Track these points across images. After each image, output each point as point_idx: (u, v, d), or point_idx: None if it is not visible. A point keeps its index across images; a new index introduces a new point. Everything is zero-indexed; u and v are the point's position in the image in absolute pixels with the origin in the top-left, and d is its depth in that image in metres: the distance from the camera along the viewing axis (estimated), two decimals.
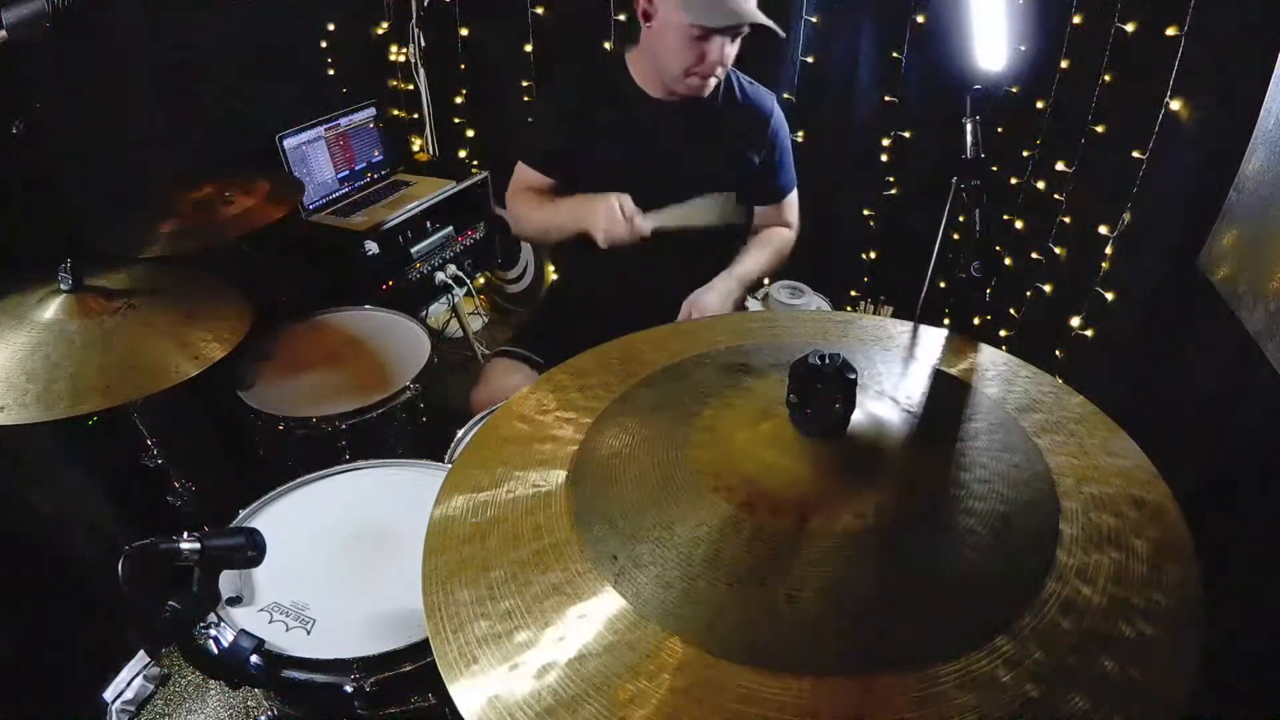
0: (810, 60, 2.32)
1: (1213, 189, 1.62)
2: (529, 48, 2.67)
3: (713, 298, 1.70)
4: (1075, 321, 2.09)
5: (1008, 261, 2.30)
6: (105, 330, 1.41)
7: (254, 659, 1.03)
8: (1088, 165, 1.99)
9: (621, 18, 2.42)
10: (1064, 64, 1.97)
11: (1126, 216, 1.90)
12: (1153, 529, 0.73)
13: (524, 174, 1.84)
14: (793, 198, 1.90)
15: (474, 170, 2.73)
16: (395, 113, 2.97)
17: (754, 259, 1.81)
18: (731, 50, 1.62)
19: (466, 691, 0.63)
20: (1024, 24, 1.96)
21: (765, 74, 1.85)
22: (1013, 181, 2.21)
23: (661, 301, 1.71)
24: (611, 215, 1.59)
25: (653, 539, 0.72)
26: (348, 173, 2.56)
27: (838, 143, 2.41)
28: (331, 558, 1.24)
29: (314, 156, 2.44)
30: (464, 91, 2.90)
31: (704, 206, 1.67)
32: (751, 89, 1.81)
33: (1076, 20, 1.92)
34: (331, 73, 2.71)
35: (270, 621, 1.12)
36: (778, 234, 1.89)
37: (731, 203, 1.71)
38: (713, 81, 1.66)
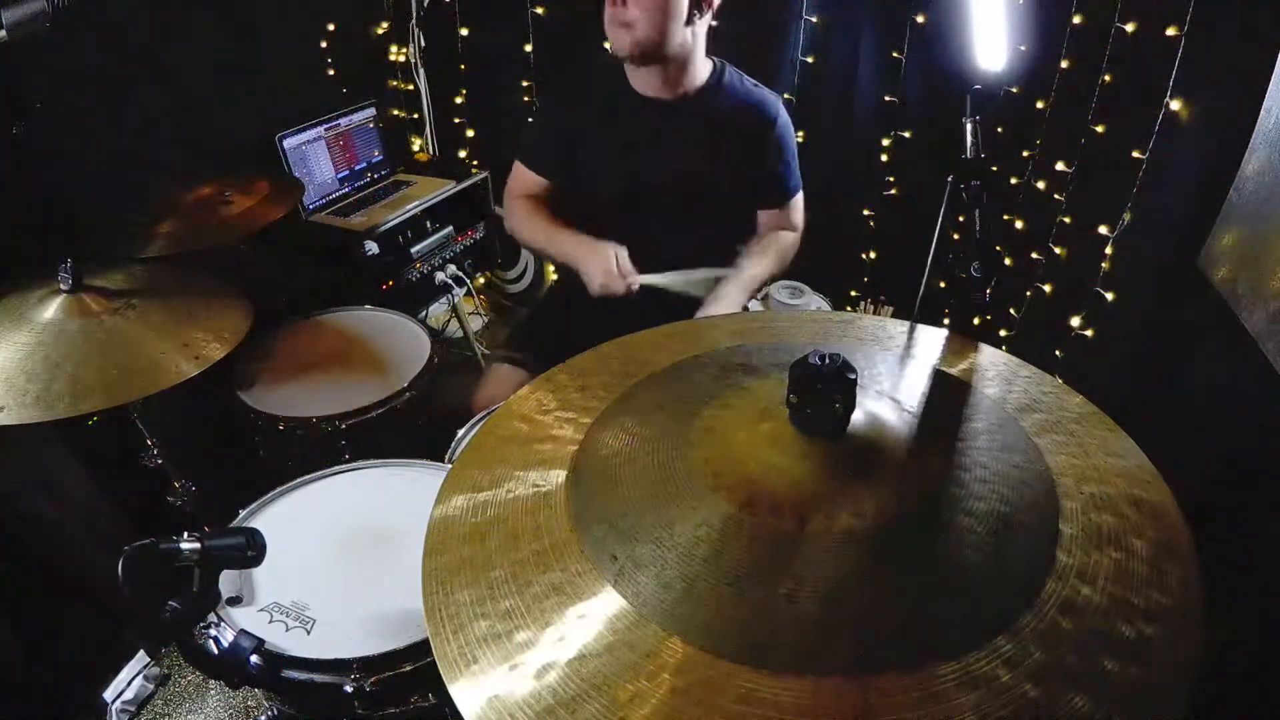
0: (810, 60, 2.32)
1: (1213, 189, 1.61)
2: (529, 48, 2.67)
3: (721, 309, 1.68)
4: (1075, 321, 2.09)
5: (1008, 261, 2.30)
6: (105, 330, 1.41)
7: (254, 659, 1.03)
8: (1088, 165, 1.99)
9: None
10: (1064, 64, 1.97)
11: (1126, 216, 1.90)
12: (1153, 529, 0.73)
13: (522, 175, 1.84)
14: (798, 199, 1.90)
15: (474, 170, 2.73)
16: (395, 113, 2.97)
17: (758, 263, 1.79)
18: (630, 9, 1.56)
19: (466, 691, 0.63)
20: (1024, 24, 1.96)
21: (765, 74, 1.85)
22: (1013, 181, 2.21)
23: (661, 302, 1.71)
24: (608, 270, 1.63)
25: (653, 539, 0.72)
26: (348, 173, 2.56)
27: (838, 143, 2.41)
28: (331, 558, 1.24)
29: (314, 156, 2.44)
30: (464, 91, 2.89)
31: (699, 279, 1.69)
32: (756, 91, 1.80)
33: (1076, 20, 1.92)
34: (331, 73, 2.71)
35: (270, 621, 1.12)
36: (781, 238, 1.88)
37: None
38: (629, 36, 1.59)
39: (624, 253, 1.65)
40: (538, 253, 1.91)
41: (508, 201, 1.88)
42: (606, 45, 1.69)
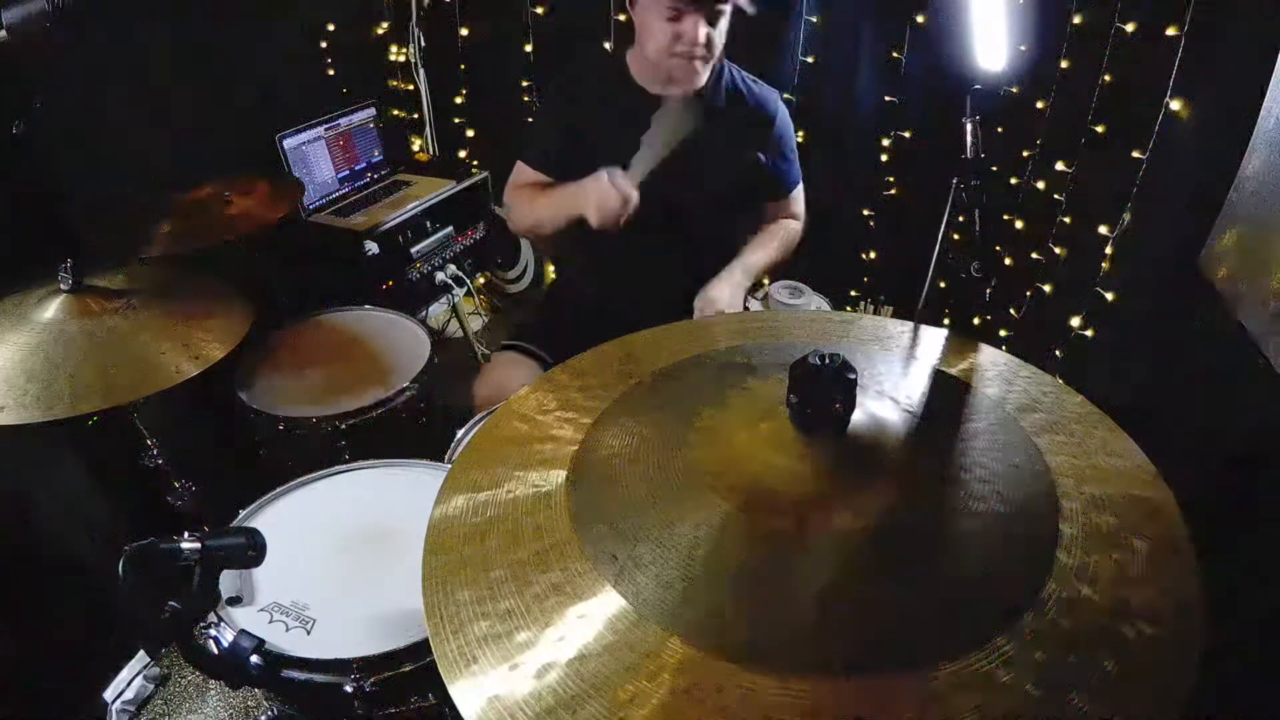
0: (810, 60, 2.32)
1: (1213, 189, 1.62)
2: (529, 48, 2.67)
3: (723, 290, 1.68)
4: (1075, 321, 2.09)
5: (1008, 261, 2.30)
6: (105, 330, 1.41)
7: (254, 659, 1.03)
8: (1088, 165, 1.99)
9: (621, 18, 2.42)
10: (1064, 64, 1.97)
11: (1126, 216, 1.90)
12: (1152, 529, 0.73)
13: (523, 172, 1.84)
14: (799, 191, 1.91)
15: (474, 170, 2.73)
16: (395, 113, 2.97)
17: (762, 250, 1.80)
18: (705, 31, 1.56)
19: (466, 691, 0.63)
20: (1024, 24, 1.96)
21: (766, 73, 1.85)
22: (1013, 181, 2.21)
23: (663, 300, 1.71)
24: (602, 191, 1.56)
25: (653, 539, 0.72)
26: (348, 173, 2.56)
27: (838, 143, 2.41)
28: (331, 558, 1.24)
29: (314, 156, 2.44)
30: (464, 91, 2.90)
31: (670, 124, 1.58)
32: (756, 88, 1.81)
33: (1076, 20, 1.92)
34: (331, 73, 2.71)
35: (270, 621, 1.12)
36: (785, 225, 1.89)
37: (694, 107, 1.64)
38: (700, 67, 1.63)
39: (616, 171, 1.57)
40: (539, 228, 1.85)
41: (508, 197, 1.88)
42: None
